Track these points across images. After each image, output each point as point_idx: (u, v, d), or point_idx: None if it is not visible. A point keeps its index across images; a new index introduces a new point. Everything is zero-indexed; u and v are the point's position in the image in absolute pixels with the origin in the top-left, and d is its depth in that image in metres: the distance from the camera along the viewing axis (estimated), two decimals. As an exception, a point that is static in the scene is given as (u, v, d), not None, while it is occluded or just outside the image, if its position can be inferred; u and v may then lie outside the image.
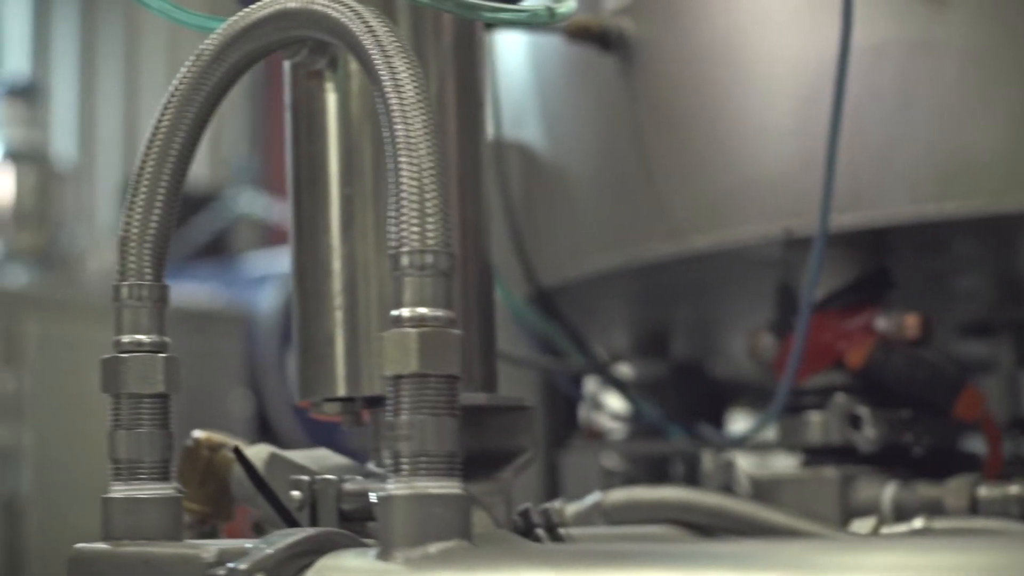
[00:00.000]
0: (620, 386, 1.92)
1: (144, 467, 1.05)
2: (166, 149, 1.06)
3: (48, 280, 4.03)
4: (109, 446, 1.06)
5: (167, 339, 1.07)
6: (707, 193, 1.56)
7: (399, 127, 0.95)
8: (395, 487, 0.91)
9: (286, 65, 1.19)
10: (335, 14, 1.00)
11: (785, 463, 2.27)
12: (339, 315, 1.14)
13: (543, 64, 1.76)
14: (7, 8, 5.39)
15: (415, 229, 0.93)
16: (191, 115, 1.07)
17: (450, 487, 0.91)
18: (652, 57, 1.60)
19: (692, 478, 1.97)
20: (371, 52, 0.97)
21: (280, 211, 5.15)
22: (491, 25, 1.27)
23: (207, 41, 1.06)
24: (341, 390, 1.14)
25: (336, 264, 1.15)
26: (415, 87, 0.96)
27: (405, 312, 0.92)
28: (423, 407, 0.91)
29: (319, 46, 1.14)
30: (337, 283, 1.14)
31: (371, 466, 1.20)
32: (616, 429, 2.10)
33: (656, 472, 2.00)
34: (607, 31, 1.60)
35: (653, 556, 0.77)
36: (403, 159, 0.94)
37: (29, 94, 4.27)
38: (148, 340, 1.06)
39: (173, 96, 1.07)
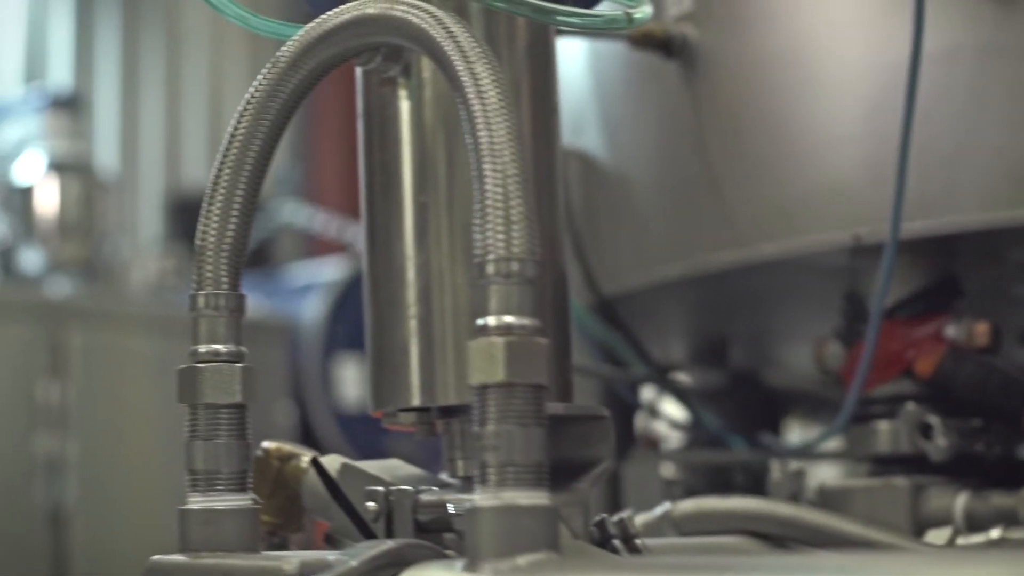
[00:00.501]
0: (682, 396, 1.90)
1: (221, 478, 1.04)
2: (242, 157, 1.06)
3: (92, 291, 4.04)
4: (186, 457, 1.04)
5: (243, 349, 1.06)
6: (773, 201, 1.55)
7: (482, 134, 0.94)
8: (482, 498, 0.90)
9: (358, 72, 1.18)
10: (416, 20, 0.99)
11: (828, 473, 2.25)
12: (414, 324, 1.13)
13: (603, 71, 1.75)
14: (50, 21, 5.41)
15: (500, 237, 0.92)
16: (267, 122, 1.06)
17: (538, 498, 0.90)
18: (716, 63, 1.59)
19: (752, 487, 1.95)
20: (453, 58, 0.96)
21: (323, 222, 5.15)
22: (561, 32, 1.25)
23: (284, 48, 1.05)
24: (416, 400, 1.13)
25: (411, 273, 1.13)
26: (498, 93, 0.95)
27: (491, 321, 0.91)
28: (510, 417, 0.90)
29: (393, 53, 1.13)
30: (412, 292, 1.13)
31: (443, 476, 1.18)
32: (673, 438, 2.08)
33: (715, 482, 1.98)
34: (671, 38, 1.58)
35: (757, 568, 0.76)
36: (487, 166, 0.93)
37: (72, 106, 4.28)
38: (225, 350, 1.05)
39: (249, 103, 1.06)
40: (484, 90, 0.95)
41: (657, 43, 1.59)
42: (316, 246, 5.59)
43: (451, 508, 1.07)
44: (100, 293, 4.07)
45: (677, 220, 1.66)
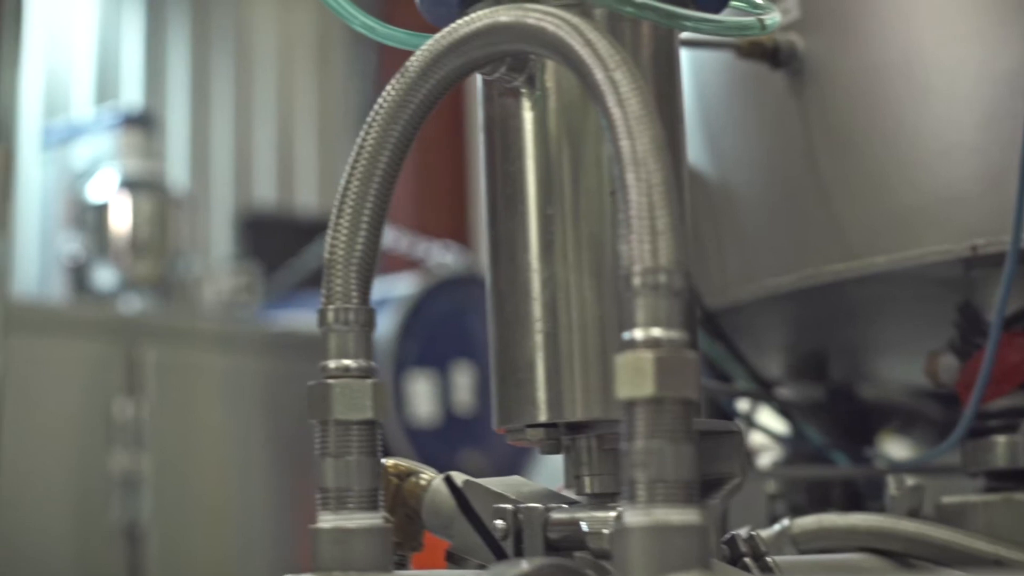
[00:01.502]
0: (785, 410, 1.87)
1: (352, 496, 1.02)
2: (371, 169, 1.04)
3: (165, 308, 4.05)
4: (318, 474, 1.03)
5: (373, 364, 1.04)
6: (887, 212, 1.52)
7: (624, 143, 0.92)
8: (632, 517, 0.87)
9: (479, 82, 1.17)
10: (552, 28, 0.97)
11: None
12: (540, 339, 1.11)
13: (706, 81, 1.72)
14: (122, 41, 5.44)
15: (647, 248, 0.89)
16: (396, 133, 1.04)
17: (689, 516, 0.87)
18: (825, 73, 1.56)
19: (852, 502, 1.92)
20: (591, 66, 0.94)
21: (394, 238, 5.15)
22: (685, 43, 1.23)
23: (413, 57, 1.04)
24: (543, 416, 1.11)
25: (536, 287, 1.11)
26: (639, 100, 0.93)
27: (638, 334, 0.89)
28: (660, 432, 0.88)
29: (518, 63, 1.12)
30: (538, 306, 1.11)
31: (566, 493, 1.16)
32: (769, 451, 2.06)
33: (814, 497, 1.95)
34: (779, 47, 1.56)
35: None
36: (630, 176, 0.91)
37: (145, 124, 4.30)
38: (355, 365, 1.03)
39: (377, 114, 1.04)
40: (625, 98, 0.92)
41: (764, 53, 1.57)
42: (387, 262, 5.59)
43: (584, 526, 1.05)
44: (173, 310, 4.07)
45: (785, 232, 1.63)
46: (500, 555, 1.09)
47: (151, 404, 3.71)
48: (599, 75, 0.94)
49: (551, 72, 1.13)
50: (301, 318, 4.37)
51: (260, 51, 5.85)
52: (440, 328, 4.75)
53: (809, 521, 1.39)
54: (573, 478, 1.15)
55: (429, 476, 1.22)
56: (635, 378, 0.88)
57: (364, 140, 1.04)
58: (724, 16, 1.13)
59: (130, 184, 4.09)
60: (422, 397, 4.78)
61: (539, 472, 4.69)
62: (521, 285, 1.12)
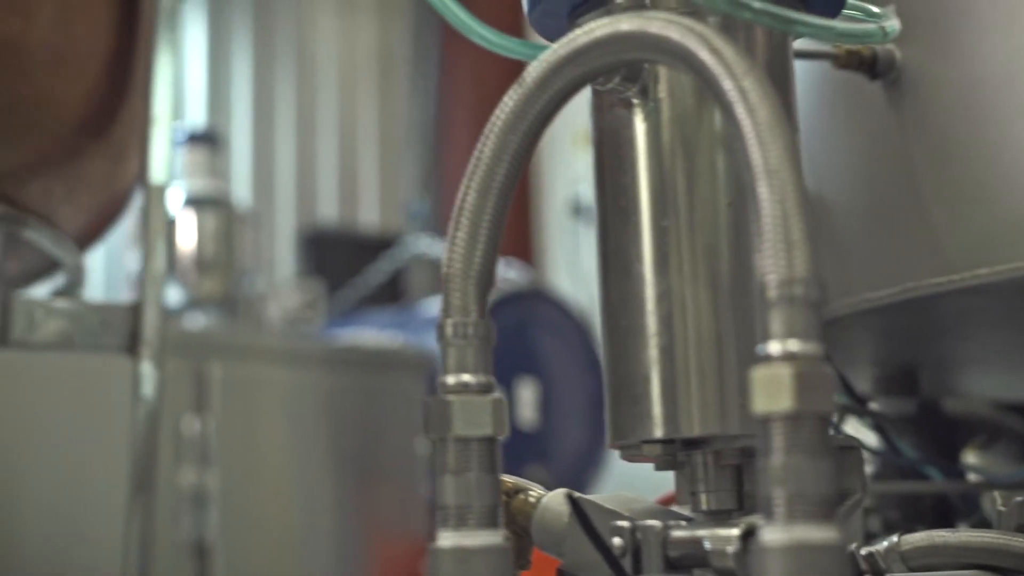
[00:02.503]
0: (880, 425, 1.85)
1: (473, 514, 1.00)
2: (488, 180, 1.02)
3: (230, 325, 4.06)
4: (436, 492, 1.01)
5: (492, 379, 1.02)
6: (987, 225, 1.49)
7: (755, 153, 0.90)
8: (771, 535, 0.85)
9: (590, 93, 1.15)
10: (676, 36, 0.95)
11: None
12: (655, 354, 1.09)
13: (800, 92, 1.70)
14: (185, 60, 5.46)
15: (782, 259, 0.87)
16: (514, 144, 1.02)
17: (829, 533, 0.85)
18: (923, 84, 1.54)
19: (944, 517, 1.90)
20: (718, 74, 0.92)
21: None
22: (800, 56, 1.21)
23: (531, 67, 1.02)
24: (659, 432, 1.09)
25: (651, 300, 1.10)
26: (770, 109, 0.91)
27: (775, 347, 0.87)
28: (798, 448, 0.86)
29: (632, 73, 1.10)
30: (653, 320, 1.09)
31: (680, 510, 1.14)
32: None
33: (906, 513, 1.93)
34: (877, 57, 1.54)
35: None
36: (762, 187, 0.89)
37: (209, 142, 4.31)
38: (474, 380, 1.01)
39: (495, 125, 1.03)
40: (755, 106, 0.91)
41: (863, 63, 1.54)
42: (449, 278, 5.57)
43: (707, 544, 1.03)
44: (238, 327, 4.08)
45: (883, 244, 1.61)
46: (620, 574, 1.07)
47: (217, 420, 3.71)
48: (728, 84, 0.92)
49: (664, 82, 1.11)
50: (364, 334, 4.37)
51: (322, 68, 5.86)
52: (503, 343, 4.73)
53: (919, 538, 1.37)
54: (688, 494, 1.13)
55: (538, 493, 1.20)
56: (772, 392, 0.86)
57: (481, 152, 1.03)
58: (848, 24, 1.11)
59: (195, 202, 4.10)
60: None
61: (602, 489, 4.66)
62: (635, 298, 1.11)
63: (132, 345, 1.94)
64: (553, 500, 1.18)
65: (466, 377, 1.01)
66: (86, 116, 1.76)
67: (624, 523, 1.09)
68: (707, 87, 0.94)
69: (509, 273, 4.96)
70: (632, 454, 1.13)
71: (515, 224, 6.03)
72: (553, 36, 1.17)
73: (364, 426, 4.18)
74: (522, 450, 4.99)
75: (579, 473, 4.96)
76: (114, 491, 3.38)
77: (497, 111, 1.03)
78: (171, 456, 3.58)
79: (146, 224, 1.93)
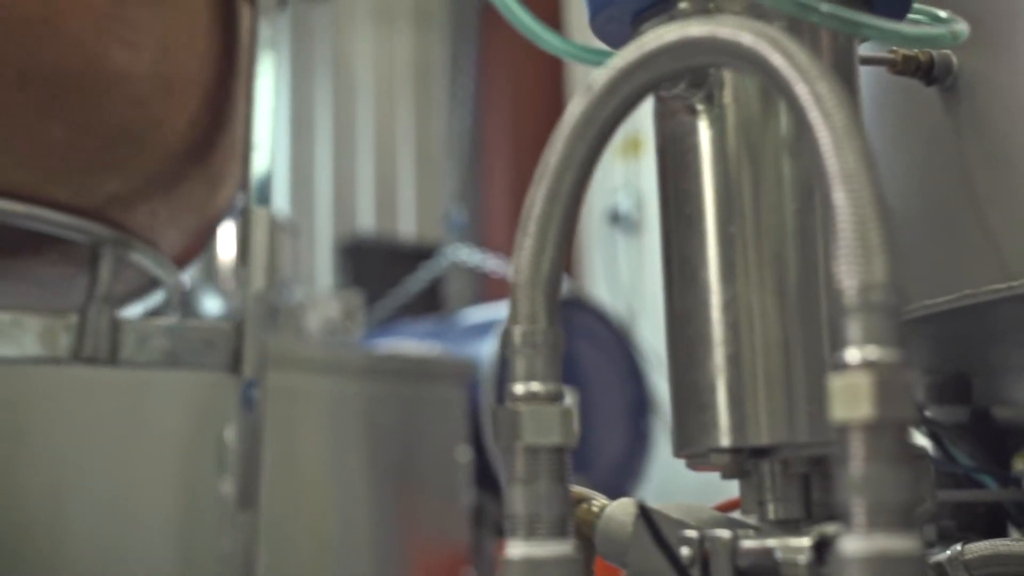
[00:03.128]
0: (936, 433, 1.83)
1: (543, 523, 0.99)
2: (556, 188, 1.01)
3: (271, 335, 4.05)
4: (506, 501, 1.00)
5: (562, 387, 1.01)
6: (1048, 229, 1.48)
7: (831, 158, 0.89)
8: (851, 546, 0.84)
9: (652, 99, 1.14)
10: (748, 41, 0.94)
11: None
12: (722, 362, 1.08)
13: (854, 98, 1.69)
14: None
15: (861, 265, 0.86)
16: (582, 152, 1.02)
17: (910, 544, 0.84)
18: (981, 90, 1.52)
19: (998, 526, 1.88)
20: (792, 79, 0.91)
21: (494, 264, 5.14)
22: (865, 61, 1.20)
23: (599, 73, 1.01)
24: (725, 441, 1.08)
25: (717, 308, 1.09)
26: (844, 113, 0.90)
27: (854, 354, 0.86)
28: (878, 457, 0.84)
29: (697, 78, 1.09)
30: (719, 328, 1.09)
31: (745, 518, 1.13)
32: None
33: (960, 521, 1.91)
34: (934, 62, 1.52)
35: None
36: (839, 192, 0.88)
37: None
38: (543, 389, 1.00)
39: (562, 132, 1.02)
40: (829, 111, 0.90)
41: (919, 68, 1.53)
42: (487, 290, 5.58)
43: (778, 554, 1.02)
44: (278, 337, 4.08)
45: (940, 251, 1.60)
46: (688, 583, 1.06)
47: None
48: (801, 88, 0.91)
49: (730, 87, 1.10)
50: (403, 344, 4.37)
51: (360, 79, 5.87)
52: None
53: (983, 546, 1.36)
54: (755, 504, 1.12)
55: (601, 503, 1.19)
56: (851, 400, 0.85)
57: (548, 159, 1.02)
58: (916, 27, 1.10)
59: (235, 212, 4.10)
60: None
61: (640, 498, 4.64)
62: (702, 306, 1.10)
63: (235, 363, 1.98)
64: (617, 510, 1.17)
65: (535, 386, 1.00)
66: (190, 142, 1.81)
67: (692, 533, 1.08)
68: (779, 92, 0.93)
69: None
70: (698, 463, 1.12)
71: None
72: (615, 42, 1.16)
73: (404, 435, 4.18)
74: (562, 460, 4.97)
75: (618, 482, 4.94)
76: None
77: (565, 117, 1.02)
78: (215, 465, 3.59)
79: (246, 246, 1.95)
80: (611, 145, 1.02)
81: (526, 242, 1.01)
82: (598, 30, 1.18)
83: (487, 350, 4.52)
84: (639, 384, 4.89)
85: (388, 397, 4.08)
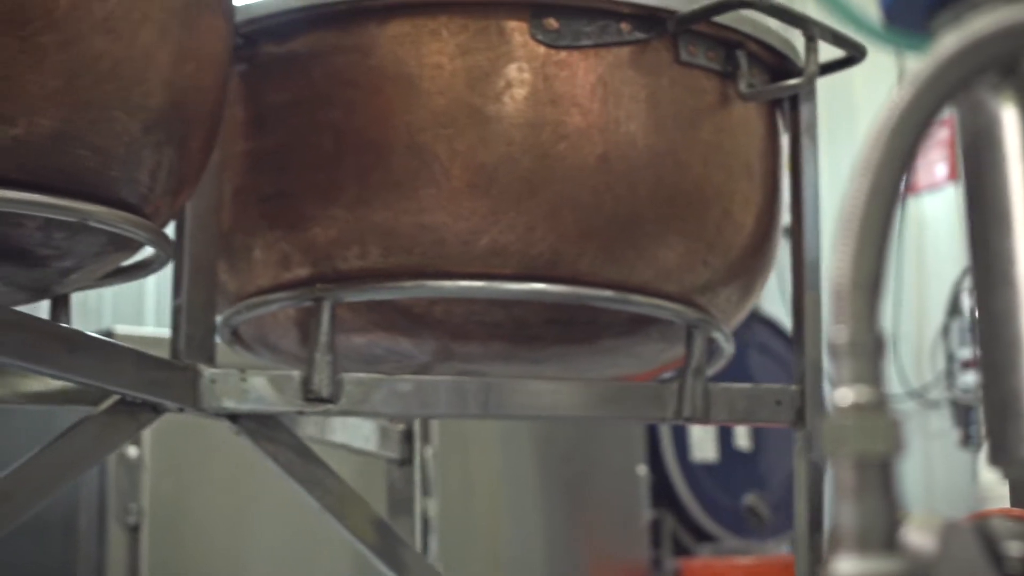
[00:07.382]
0: None
1: (873, 537, 0.94)
2: (876, 184, 0.96)
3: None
4: (834, 514, 0.95)
5: (888, 394, 0.96)
6: None
7: None
8: None
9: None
10: (1094, 22, 0.89)
11: None
12: (1042, 366, 1.02)
13: None
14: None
15: None
16: (903, 145, 0.96)
17: None
18: None
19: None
20: None
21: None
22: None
23: (923, 63, 0.96)
24: (1048, 449, 1.02)
25: (1035, 309, 1.03)
26: None
27: None
28: None
29: (1007, 68, 1.04)
30: (1037, 330, 1.03)
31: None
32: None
33: None
34: None
35: None
36: None
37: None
38: (871, 397, 0.95)
39: (885, 126, 0.97)
40: None
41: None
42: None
43: None
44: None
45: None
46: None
47: (435, 449, 3.70)
48: None
49: (1041, 75, 1.05)
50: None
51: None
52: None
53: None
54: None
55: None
56: None
57: (869, 155, 0.97)
58: None
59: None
60: (702, 436, 4.71)
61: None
62: (1018, 308, 1.04)
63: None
64: (920, 524, 1.12)
65: (863, 392, 0.95)
66: (759, 236, 2.05)
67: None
68: None
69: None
70: (1016, 472, 1.07)
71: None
72: (907, 27, 1.11)
73: (581, 451, 4.14)
74: (738, 476, 4.91)
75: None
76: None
77: (886, 111, 0.97)
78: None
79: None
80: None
81: (846, 243, 0.96)
82: (889, 14, 1.13)
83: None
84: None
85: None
